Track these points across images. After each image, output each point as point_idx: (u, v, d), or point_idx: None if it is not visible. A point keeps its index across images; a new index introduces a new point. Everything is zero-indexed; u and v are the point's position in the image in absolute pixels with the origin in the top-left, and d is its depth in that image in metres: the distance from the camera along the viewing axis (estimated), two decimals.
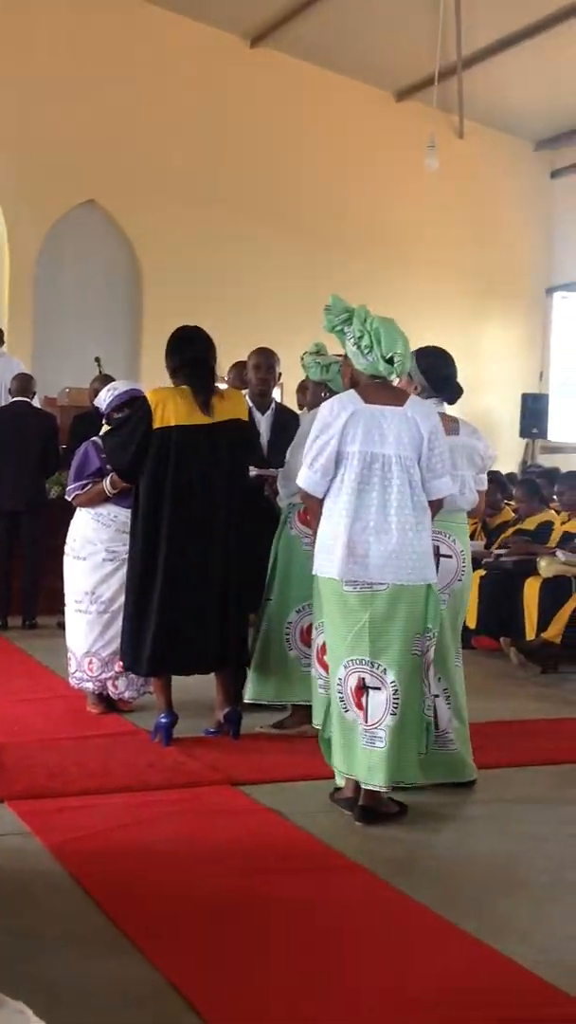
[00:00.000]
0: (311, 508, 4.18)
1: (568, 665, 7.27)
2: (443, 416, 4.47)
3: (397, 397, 4.10)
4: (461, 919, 3.17)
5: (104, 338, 11.26)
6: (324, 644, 4.22)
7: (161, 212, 11.66)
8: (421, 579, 4.01)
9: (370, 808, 4.01)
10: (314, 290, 11.96)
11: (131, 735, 5.11)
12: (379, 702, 3.98)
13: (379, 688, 3.98)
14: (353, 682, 4.02)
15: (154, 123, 11.75)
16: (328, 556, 4.01)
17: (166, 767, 4.57)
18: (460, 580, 4.47)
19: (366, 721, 4.00)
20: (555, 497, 8.67)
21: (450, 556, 4.43)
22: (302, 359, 5.11)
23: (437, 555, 4.33)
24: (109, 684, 5.42)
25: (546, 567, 7.43)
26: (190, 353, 4.94)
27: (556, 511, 8.38)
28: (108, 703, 5.51)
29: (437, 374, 4.50)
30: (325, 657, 4.22)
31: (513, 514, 8.68)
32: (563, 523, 7.99)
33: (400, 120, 13.12)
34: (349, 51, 12.34)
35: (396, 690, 3.97)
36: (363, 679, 4.00)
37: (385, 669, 3.98)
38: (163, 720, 4.88)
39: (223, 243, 11.91)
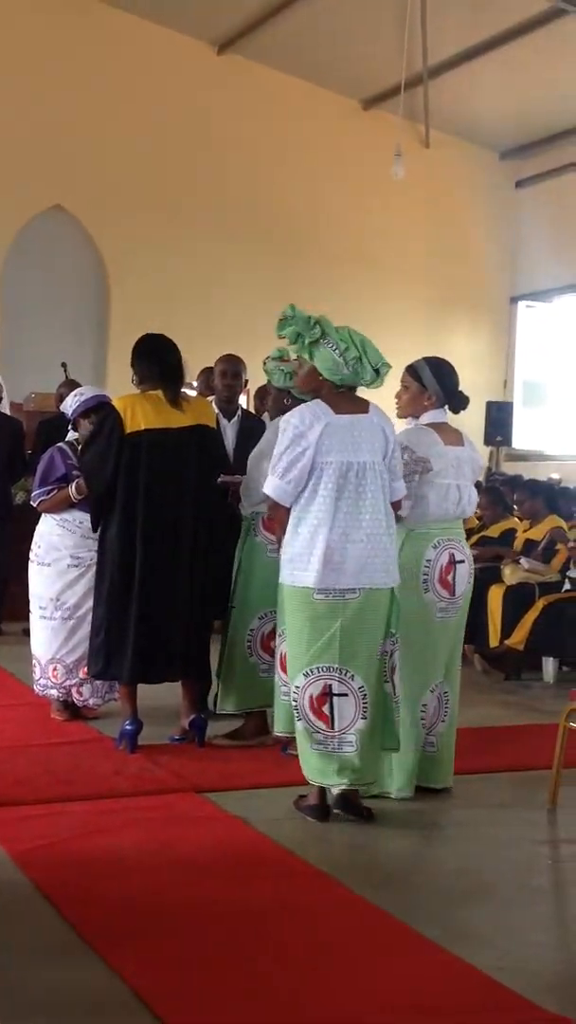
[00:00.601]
0: (279, 517, 4.18)
1: (531, 672, 7.32)
2: (448, 428, 4.55)
3: (360, 405, 4.17)
4: (425, 926, 3.19)
5: (70, 343, 11.22)
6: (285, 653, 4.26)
7: (129, 217, 11.64)
8: (391, 582, 4.12)
9: (348, 799, 4.09)
10: (281, 297, 11.95)
11: (96, 742, 5.09)
12: (347, 707, 4.02)
13: (346, 695, 4.02)
14: (316, 690, 4.04)
15: (121, 128, 11.73)
16: (302, 565, 4.04)
17: (131, 774, 4.56)
18: (469, 583, 4.55)
19: (332, 727, 4.03)
20: (515, 505, 8.73)
21: (463, 561, 4.50)
22: (264, 364, 5.12)
23: (453, 563, 4.43)
24: (74, 691, 5.40)
25: (510, 574, 7.48)
26: (170, 360, 4.96)
27: (519, 518, 8.44)
28: (73, 710, 5.49)
29: (451, 383, 4.57)
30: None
31: (477, 521, 8.73)
32: (525, 530, 8.05)
33: (367, 129, 13.17)
34: (316, 59, 12.37)
35: (364, 695, 4.03)
36: (329, 686, 4.04)
37: (353, 675, 4.03)
38: (128, 727, 4.87)
39: (190, 249, 11.90)
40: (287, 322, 4.11)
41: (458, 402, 4.60)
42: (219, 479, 5.35)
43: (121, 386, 6.46)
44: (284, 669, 4.63)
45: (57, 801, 4.19)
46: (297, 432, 4.04)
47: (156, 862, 3.65)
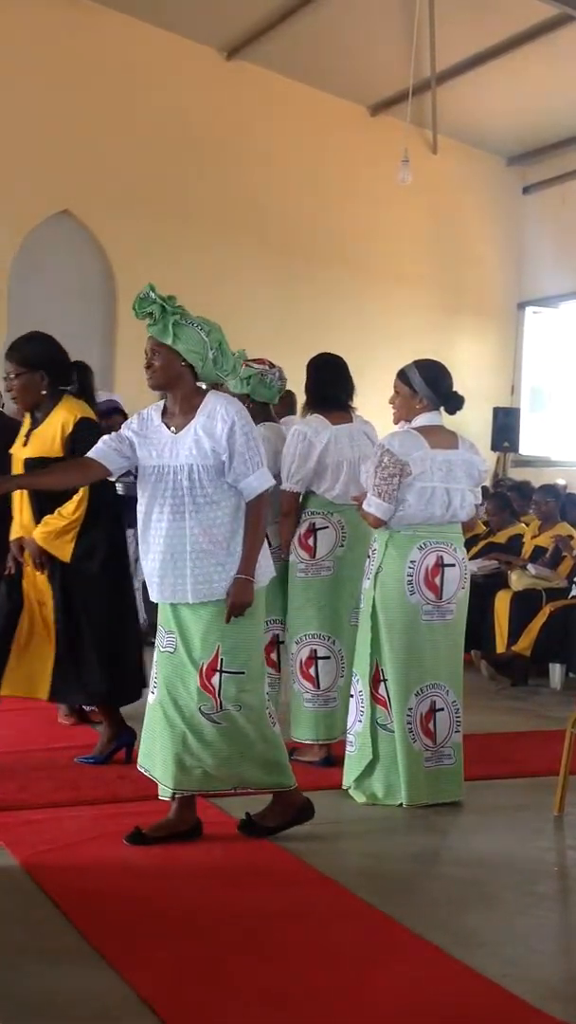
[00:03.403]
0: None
1: (538, 678, 7.32)
2: (442, 430, 4.53)
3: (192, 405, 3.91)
4: (430, 932, 3.18)
5: (78, 348, 11.16)
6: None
7: (136, 223, 11.65)
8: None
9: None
10: (288, 303, 12.06)
11: None
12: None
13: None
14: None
15: (129, 134, 11.74)
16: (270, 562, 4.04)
17: (135, 779, 4.54)
18: (463, 588, 4.52)
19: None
20: (529, 510, 8.72)
21: (453, 565, 4.47)
22: None
23: (441, 565, 4.39)
24: None
25: (517, 580, 7.48)
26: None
27: (526, 524, 8.44)
28: (80, 715, 5.49)
29: (442, 385, 4.56)
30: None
31: (484, 527, 8.73)
32: (533, 536, 8.04)
33: (374, 134, 13.17)
34: (324, 65, 12.38)
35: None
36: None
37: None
38: (127, 739, 4.83)
39: (198, 255, 11.91)
40: (148, 300, 3.80)
41: (452, 404, 4.56)
42: None
43: (129, 391, 6.48)
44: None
45: (62, 806, 4.20)
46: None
47: (160, 866, 3.65)
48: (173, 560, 3.78)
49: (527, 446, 14.24)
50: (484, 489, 10.65)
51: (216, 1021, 2.67)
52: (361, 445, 4.94)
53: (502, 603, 7.40)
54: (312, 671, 4.95)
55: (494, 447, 13.92)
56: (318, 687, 4.96)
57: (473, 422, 14.19)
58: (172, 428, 3.84)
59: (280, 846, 3.88)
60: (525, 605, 7.30)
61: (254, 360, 5.05)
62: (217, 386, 4.28)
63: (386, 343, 12.61)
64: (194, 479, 3.76)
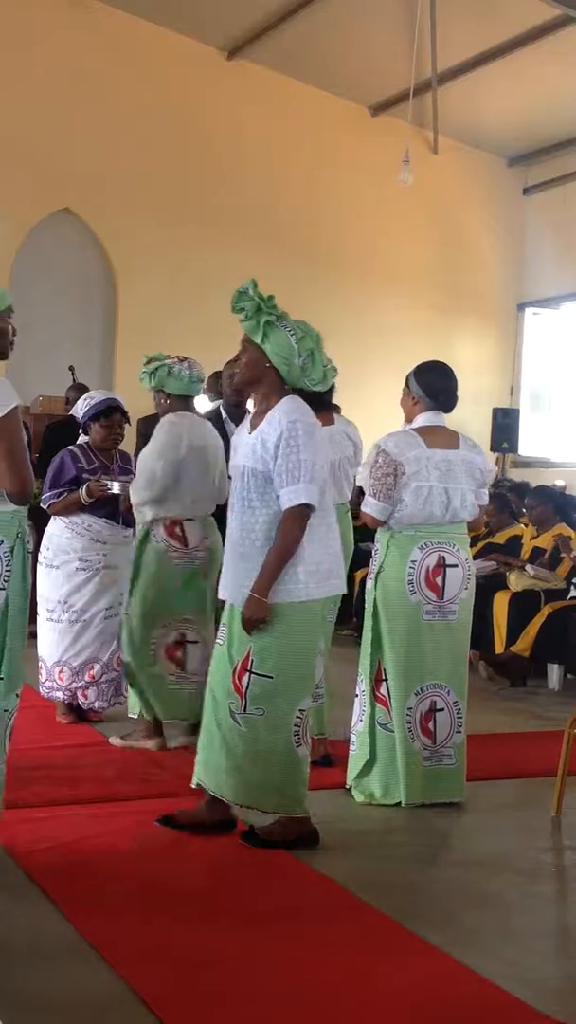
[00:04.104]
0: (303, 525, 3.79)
1: (536, 679, 7.32)
2: (443, 430, 4.53)
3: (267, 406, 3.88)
4: (430, 932, 3.18)
5: (78, 347, 11.23)
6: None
7: (137, 221, 11.64)
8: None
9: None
10: (289, 302, 11.95)
11: (100, 745, 5.09)
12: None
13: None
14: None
15: (130, 132, 11.73)
16: (326, 576, 3.82)
17: (135, 778, 4.56)
18: (467, 588, 4.51)
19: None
20: (524, 511, 8.71)
21: (456, 565, 4.47)
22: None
23: (443, 565, 4.40)
24: (79, 694, 5.41)
25: (515, 581, 7.47)
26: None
27: (525, 525, 8.43)
28: (78, 713, 5.49)
29: (435, 384, 4.57)
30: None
31: (484, 528, 8.72)
32: (532, 537, 8.04)
33: (375, 134, 13.17)
34: (326, 64, 12.38)
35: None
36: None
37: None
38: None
39: (198, 253, 11.91)
40: (246, 295, 3.84)
41: (444, 402, 4.57)
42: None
43: (129, 389, 6.48)
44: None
45: (60, 804, 4.19)
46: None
47: (158, 865, 3.65)
48: (228, 557, 3.88)
49: (527, 447, 14.25)
50: None
51: (213, 1019, 2.67)
52: (342, 447, 4.93)
53: (501, 604, 7.40)
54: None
55: (493, 448, 13.91)
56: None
57: (472, 423, 14.19)
58: (249, 428, 3.88)
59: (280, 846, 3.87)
60: (524, 606, 7.30)
61: (173, 357, 5.10)
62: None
63: (386, 343, 12.62)
64: (246, 482, 3.79)
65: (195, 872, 3.60)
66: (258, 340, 3.79)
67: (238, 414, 5.71)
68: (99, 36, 11.52)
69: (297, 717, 3.80)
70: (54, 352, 10.55)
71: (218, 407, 5.86)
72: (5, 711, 3.52)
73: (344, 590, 4.02)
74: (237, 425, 5.65)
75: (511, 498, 8.91)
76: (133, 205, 11.62)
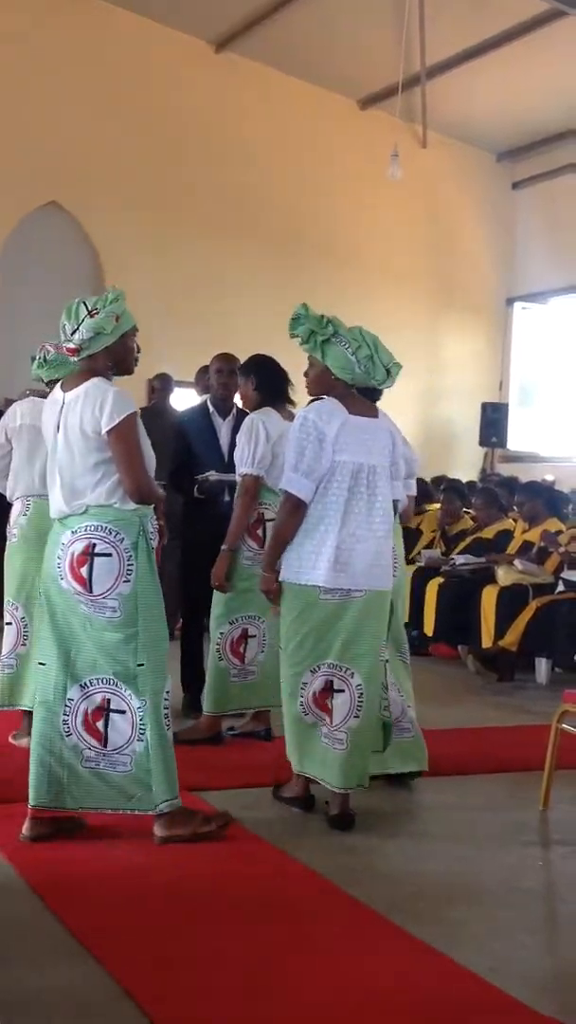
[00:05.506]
0: (297, 516, 4.05)
1: (524, 673, 7.32)
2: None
3: (371, 408, 4.20)
4: (416, 927, 3.18)
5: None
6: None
7: (124, 215, 11.61)
8: (389, 584, 4.16)
9: (343, 814, 4.07)
10: (278, 296, 12.02)
11: None
12: (343, 704, 4.04)
13: (343, 690, 4.05)
14: (319, 685, 4.07)
15: (117, 125, 11.70)
16: (310, 563, 4.03)
17: None
18: (395, 575, 4.47)
19: (331, 723, 4.05)
20: (515, 507, 8.72)
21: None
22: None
23: None
24: None
25: (504, 575, 7.48)
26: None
27: (515, 520, 8.43)
28: None
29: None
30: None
31: (472, 523, 8.73)
32: (523, 532, 8.04)
33: (364, 128, 13.16)
34: (314, 58, 12.36)
35: (361, 693, 4.04)
36: (330, 682, 4.07)
37: (353, 672, 4.05)
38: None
39: (186, 247, 11.88)
40: (299, 320, 4.11)
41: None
42: (214, 477, 5.38)
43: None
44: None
45: None
46: (318, 428, 4.01)
47: (146, 861, 3.64)
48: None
49: (515, 441, 14.28)
50: (471, 484, 10.76)
51: (200, 1014, 2.66)
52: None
53: (489, 598, 7.40)
54: (241, 649, 5.10)
55: (482, 442, 13.95)
56: (243, 662, 5.11)
57: (461, 417, 14.26)
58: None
59: (265, 840, 3.87)
60: (512, 600, 7.31)
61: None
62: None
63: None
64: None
65: (179, 868, 3.59)
66: (320, 358, 4.12)
67: (225, 408, 5.70)
68: (87, 29, 11.47)
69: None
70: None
71: (205, 401, 5.84)
72: (155, 694, 3.72)
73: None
74: (224, 419, 5.66)
75: (500, 493, 8.91)
76: (120, 198, 11.59)
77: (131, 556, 3.67)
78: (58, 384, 3.93)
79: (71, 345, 3.78)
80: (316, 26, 11.58)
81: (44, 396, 5.14)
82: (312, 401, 4.22)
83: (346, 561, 4.01)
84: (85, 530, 3.69)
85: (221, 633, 5.11)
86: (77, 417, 3.70)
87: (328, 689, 4.06)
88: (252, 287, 12.02)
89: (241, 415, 5.81)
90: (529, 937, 3.24)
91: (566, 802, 4.47)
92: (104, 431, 3.65)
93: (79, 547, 3.68)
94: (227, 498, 5.39)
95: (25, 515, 4.89)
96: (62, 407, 3.78)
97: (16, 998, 2.69)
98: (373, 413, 4.18)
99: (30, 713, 4.88)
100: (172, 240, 11.81)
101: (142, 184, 11.79)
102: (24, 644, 4.84)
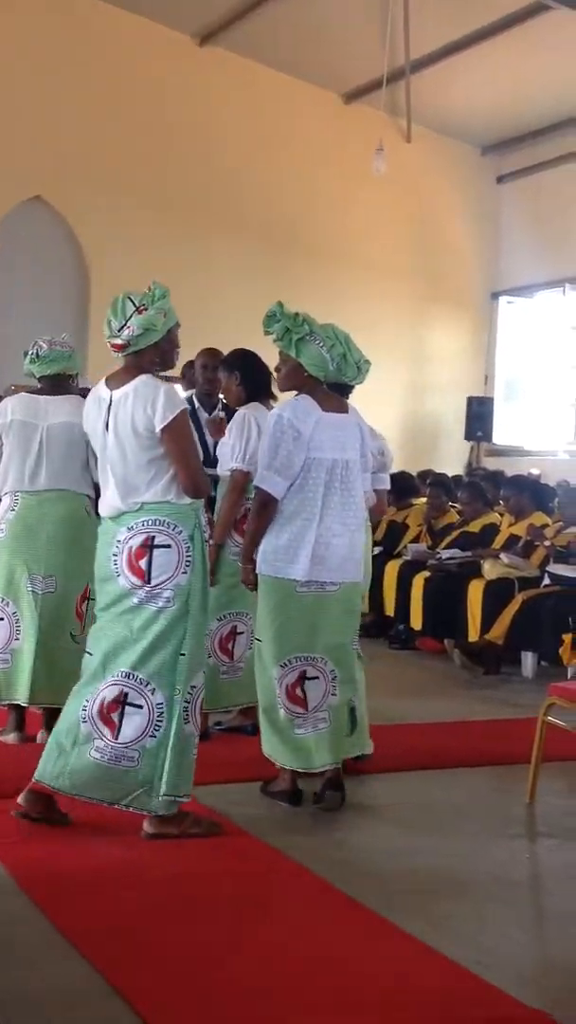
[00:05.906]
0: (269, 512, 4.15)
1: (510, 666, 7.34)
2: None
3: (341, 404, 4.29)
4: (404, 921, 3.19)
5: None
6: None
7: (109, 209, 11.57)
8: (360, 576, 4.32)
9: (336, 785, 4.17)
10: (262, 290, 12.00)
11: None
12: (316, 688, 4.16)
13: (317, 677, 4.17)
14: (292, 678, 4.15)
15: (102, 120, 11.65)
16: (288, 558, 4.12)
17: None
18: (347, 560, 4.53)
19: (307, 709, 4.15)
20: (501, 501, 8.73)
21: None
22: None
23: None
24: None
25: (490, 569, 7.49)
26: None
27: (500, 514, 8.44)
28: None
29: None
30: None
31: (458, 516, 8.73)
32: (509, 526, 8.05)
33: (348, 123, 13.14)
34: (298, 52, 12.33)
35: (335, 677, 4.19)
36: (304, 672, 4.17)
37: (326, 660, 4.18)
38: None
39: (171, 241, 11.84)
40: (274, 318, 4.17)
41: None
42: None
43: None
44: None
45: None
46: (294, 427, 4.08)
47: (134, 858, 3.63)
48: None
49: (501, 435, 14.30)
50: (457, 478, 10.77)
51: (191, 1012, 2.66)
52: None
53: (475, 592, 7.41)
54: (230, 646, 5.10)
55: (468, 436, 13.96)
56: (232, 659, 5.11)
57: (447, 411, 14.27)
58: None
59: (256, 837, 3.87)
60: (498, 594, 7.31)
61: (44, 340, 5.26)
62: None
63: (360, 332, 12.45)
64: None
65: (170, 865, 3.59)
66: (294, 355, 4.17)
67: (210, 403, 5.70)
68: (71, 23, 11.42)
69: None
70: (26, 341, 10.44)
71: (191, 395, 5.83)
72: (188, 685, 3.76)
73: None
74: (210, 414, 5.65)
75: (486, 487, 8.92)
76: (105, 193, 11.54)
77: (189, 548, 3.74)
78: (102, 380, 3.95)
79: (118, 341, 3.81)
80: (300, 20, 11.55)
81: (34, 392, 5.16)
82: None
83: (323, 555, 4.11)
84: (143, 525, 3.74)
85: (209, 630, 5.09)
86: (128, 415, 3.73)
87: (301, 678, 4.15)
88: (237, 281, 11.99)
89: (225, 410, 5.80)
90: (516, 930, 3.25)
91: (552, 795, 4.48)
92: (158, 429, 3.70)
93: (138, 541, 3.73)
94: (212, 493, 5.37)
95: (13, 510, 4.87)
96: (110, 405, 3.80)
97: (5, 991, 2.69)
98: (344, 409, 4.25)
99: (17, 708, 4.88)
100: (156, 234, 11.77)
101: (126, 178, 11.76)
102: (17, 639, 4.81)
